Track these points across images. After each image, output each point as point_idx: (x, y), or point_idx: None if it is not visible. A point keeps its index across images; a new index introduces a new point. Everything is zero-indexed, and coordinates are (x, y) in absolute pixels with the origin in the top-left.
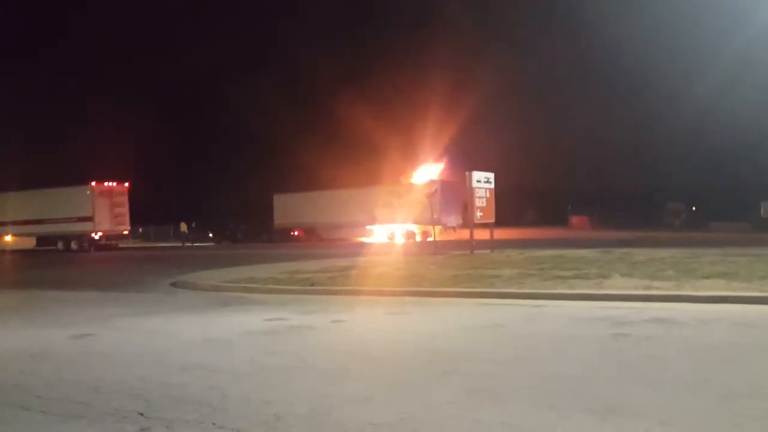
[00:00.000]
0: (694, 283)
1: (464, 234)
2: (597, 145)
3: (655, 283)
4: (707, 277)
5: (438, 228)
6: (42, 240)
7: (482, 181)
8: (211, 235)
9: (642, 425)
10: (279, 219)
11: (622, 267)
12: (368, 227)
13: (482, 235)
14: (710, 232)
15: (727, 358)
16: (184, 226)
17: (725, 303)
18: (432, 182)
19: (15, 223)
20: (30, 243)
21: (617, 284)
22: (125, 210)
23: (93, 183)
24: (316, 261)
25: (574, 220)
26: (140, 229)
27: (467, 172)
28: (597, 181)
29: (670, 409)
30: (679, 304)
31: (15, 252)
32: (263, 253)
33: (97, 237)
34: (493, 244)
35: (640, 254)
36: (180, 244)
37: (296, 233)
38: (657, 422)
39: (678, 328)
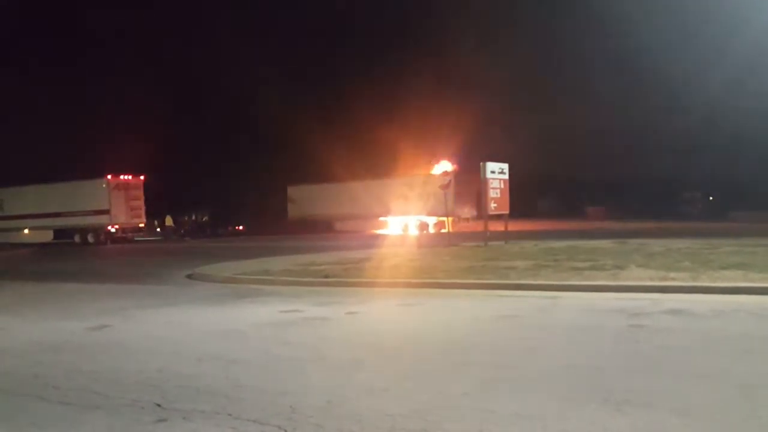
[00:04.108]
0: (711, 274)
1: (478, 225)
2: (613, 135)
3: (672, 274)
4: (724, 268)
5: (452, 219)
6: (59, 233)
7: (497, 172)
8: (158, 230)
9: (658, 416)
10: (293, 211)
11: (638, 258)
12: (382, 219)
13: (497, 226)
14: (730, 221)
15: (745, 350)
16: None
17: (742, 294)
18: (446, 173)
19: (32, 216)
20: (47, 236)
21: (633, 275)
22: (141, 203)
23: (109, 176)
24: (330, 253)
25: (591, 210)
26: (156, 222)
27: (482, 163)
28: (614, 171)
29: (686, 400)
30: (695, 296)
31: (33, 245)
32: (274, 246)
33: (113, 230)
34: (508, 236)
35: (657, 245)
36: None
37: (240, 228)
38: (673, 413)
39: (694, 320)
